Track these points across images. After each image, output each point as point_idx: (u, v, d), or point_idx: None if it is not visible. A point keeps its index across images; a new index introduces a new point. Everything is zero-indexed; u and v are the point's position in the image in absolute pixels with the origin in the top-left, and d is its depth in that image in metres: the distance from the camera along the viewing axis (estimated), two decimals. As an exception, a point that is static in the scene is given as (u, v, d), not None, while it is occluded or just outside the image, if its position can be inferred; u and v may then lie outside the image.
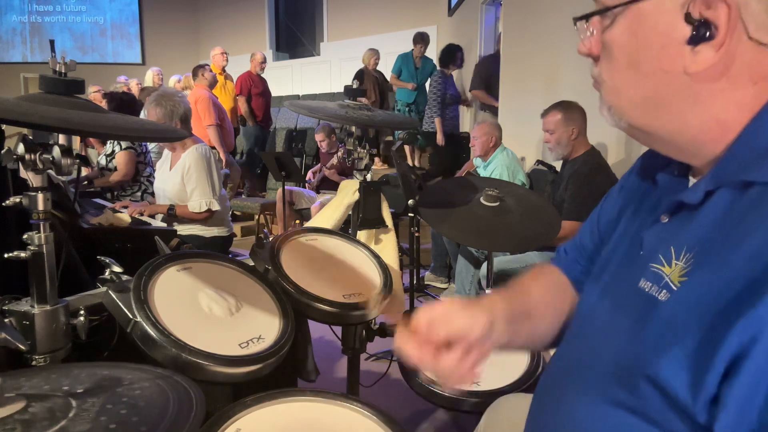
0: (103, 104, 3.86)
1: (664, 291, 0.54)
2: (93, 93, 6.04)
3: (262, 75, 6.22)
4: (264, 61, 6.24)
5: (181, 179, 2.61)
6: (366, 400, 0.91)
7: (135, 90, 6.66)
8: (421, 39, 5.86)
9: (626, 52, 0.55)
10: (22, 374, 0.74)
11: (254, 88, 6.09)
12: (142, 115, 4.58)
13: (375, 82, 6.23)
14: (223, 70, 5.96)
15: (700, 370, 0.47)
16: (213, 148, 5.21)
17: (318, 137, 5.03)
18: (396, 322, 0.65)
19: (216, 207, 2.63)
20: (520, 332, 0.74)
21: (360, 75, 6.18)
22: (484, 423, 1.01)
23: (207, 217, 2.65)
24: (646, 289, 0.57)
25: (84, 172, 3.59)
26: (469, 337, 0.63)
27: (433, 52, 8.04)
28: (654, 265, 0.57)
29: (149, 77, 6.57)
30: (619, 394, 0.55)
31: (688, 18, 0.51)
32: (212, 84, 5.30)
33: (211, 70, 5.35)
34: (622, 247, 0.68)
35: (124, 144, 3.41)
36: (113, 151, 3.52)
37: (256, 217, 5.16)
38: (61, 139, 3.30)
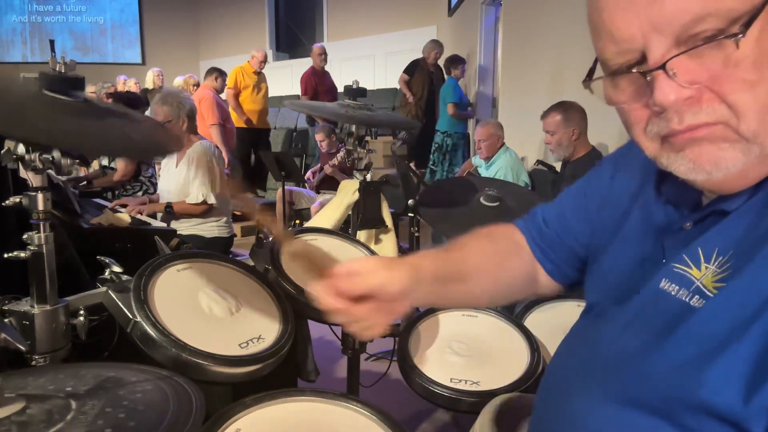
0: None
1: (697, 297, 0.52)
2: (90, 93, 6.05)
3: (326, 68, 5.85)
4: (323, 52, 5.79)
5: (186, 174, 2.63)
6: (366, 400, 0.91)
7: (134, 90, 6.67)
8: (461, 60, 5.35)
9: None
10: (30, 373, 0.74)
11: (320, 85, 5.68)
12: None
13: (428, 78, 5.67)
14: (259, 72, 5.75)
15: (756, 380, 0.45)
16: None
17: (318, 137, 5.03)
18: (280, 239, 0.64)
19: (212, 200, 2.64)
20: (449, 294, 0.73)
21: (412, 67, 5.67)
22: (479, 423, 1.01)
23: (205, 211, 2.65)
24: (672, 293, 0.55)
25: (83, 172, 3.60)
26: (386, 293, 0.62)
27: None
28: (677, 265, 0.55)
29: (149, 78, 6.51)
30: (637, 394, 0.54)
31: None
32: (220, 90, 5.30)
33: (225, 80, 5.33)
34: (632, 250, 0.65)
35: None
36: None
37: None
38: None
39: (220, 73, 5.29)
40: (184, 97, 2.69)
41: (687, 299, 0.53)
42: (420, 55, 5.97)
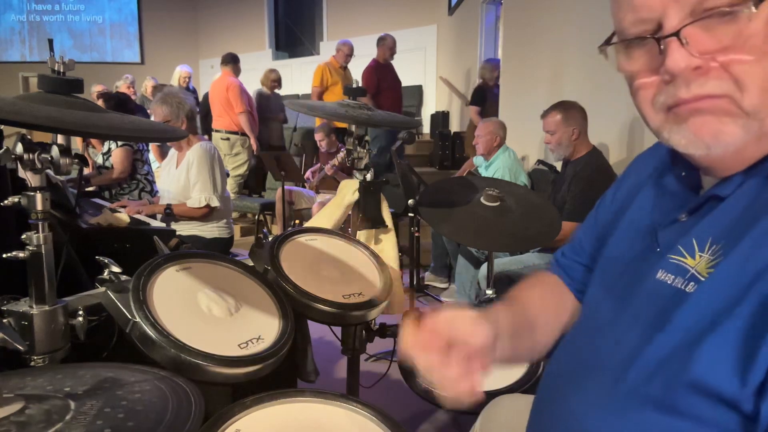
0: (100, 104, 3.86)
1: (692, 283, 0.53)
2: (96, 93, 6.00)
3: (391, 61, 5.22)
4: (395, 44, 5.15)
5: (186, 175, 2.62)
6: (366, 400, 0.91)
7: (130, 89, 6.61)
8: None
9: None
10: (29, 373, 0.74)
11: (383, 81, 5.07)
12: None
13: (497, 104, 4.84)
14: (345, 66, 5.39)
15: (747, 357, 0.46)
16: (245, 134, 5.16)
17: (317, 137, 5.02)
18: (405, 317, 0.62)
19: (215, 203, 2.63)
20: (523, 346, 0.73)
21: (480, 96, 4.91)
22: (479, 423, 1.01)
23: (206, 214, 2.65)
24: (669, 282, 0.56)
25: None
26: (471, 343, 0.61)
27: (432, 53, 8.06)
28: (674, 256, 0.56)
29: (176, 76, 6.03)
30: (635, 387, 0.54)
31: None
32: (238, 73, 5.25)
33: (239, 62, 5.25)
34: (629, 244, 0.67)
35: (120, 141, 3.41)
36: (110, 149, 3.51)
37: (256, 217, 5.16)
38: (60, 138, 3.31)
39: (234, 59, 5.20)
40: (183, 98, 2.68)
41: (682, 287, 0.54)
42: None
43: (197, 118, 2.78)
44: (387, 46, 5.13)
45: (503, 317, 0.70)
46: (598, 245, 0.76)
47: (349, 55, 5.33)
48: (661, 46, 0.52)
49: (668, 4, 0.51)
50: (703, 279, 0.52)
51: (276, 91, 5.92)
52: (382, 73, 5.12)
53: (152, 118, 2.76)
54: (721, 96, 0.50)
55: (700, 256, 0.54)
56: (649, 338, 0.54)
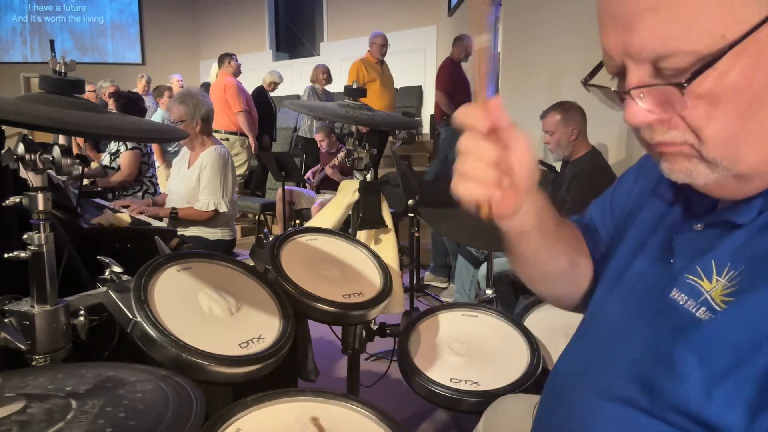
0: (111, 104, 3.87)
1: (704, 309, 0.52)
2: (88, 93, 6.00)
3: (464, 63, 5.03)
4: (471, 46, 5.24)
5: (198, 177, 2.62)
6: (366, 400, 0.92)
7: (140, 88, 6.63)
8: None
9: (751, 91, 0.47)
10: (30, 373, 0.74)
11: (457, 80, 4.89)
12: (158, 114, 4.52)
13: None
14: (382, 60, 5.18)
15: (761, 402, 0.46)
16: (244, 135, 5.16)
17: (318, 137, 5.03)
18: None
19: (223, 209, 2.62)
20: (548, 238, 0.69)
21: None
22: (483, 424, 1.01)
23: (212, 218, 2.65)
24: (681, 302, 0.55)
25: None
26: (516, 166, 0.58)
27: (432, 53, 8.07)
28: (690, 276, 0.56)
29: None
30: (642, 399, 0.54)
31: None
32: (236, 73, 5.25)
33: (236, 60, 5.25)
34: (641, 248, 0.66)
35: (130, 143, 3.41)
36: (118, 150, 3.51)
37: (257, 217, 5.16)
38: (61, 139, 3.31)
39: (230, 56, 5.20)
40: (202, 100, 2.66)
41: (694, 310, 0.53)
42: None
43: (212, 121, 2.77)
44: (464, 45, 4.98)
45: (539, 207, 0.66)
46: (614, 232, 0.75)
47: (384, 45, 5.12)
48: (620, 96, 0.52)
49: (625, 59, 0.50)
50: (718, 309, 0.51)
51: (326, 87, 5.78)
52: (457, 71, 5.00)
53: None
54: (683, 144, 0.51)
55: (717, 281, 0.53)
56: (659, 354, 0.54)
